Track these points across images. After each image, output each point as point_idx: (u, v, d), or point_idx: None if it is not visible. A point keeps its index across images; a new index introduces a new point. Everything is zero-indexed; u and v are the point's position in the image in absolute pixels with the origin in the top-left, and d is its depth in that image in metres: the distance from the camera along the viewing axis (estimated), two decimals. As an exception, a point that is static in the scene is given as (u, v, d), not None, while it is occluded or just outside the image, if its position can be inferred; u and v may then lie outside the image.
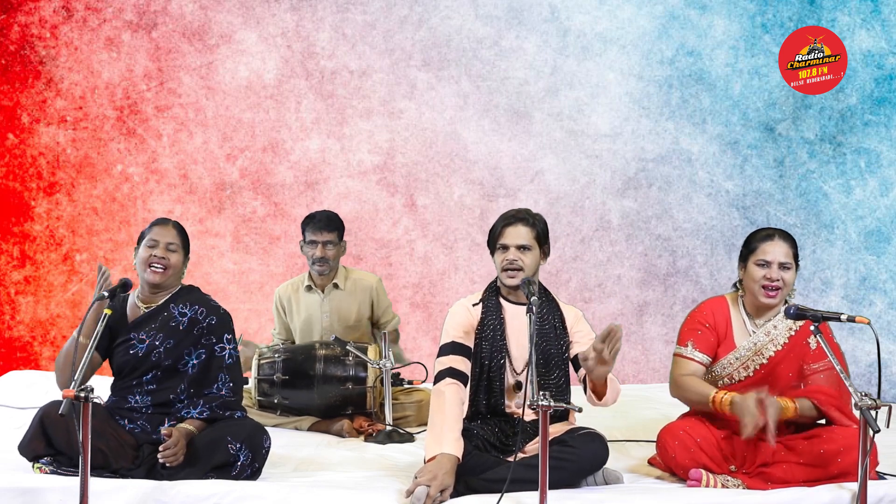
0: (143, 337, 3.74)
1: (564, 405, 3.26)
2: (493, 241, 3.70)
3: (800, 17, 6.05)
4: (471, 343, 3.65)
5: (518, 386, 3.69)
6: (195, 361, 3.75)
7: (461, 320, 3.68)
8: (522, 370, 3.69)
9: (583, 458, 3.53)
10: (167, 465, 3.52)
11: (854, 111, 6.05)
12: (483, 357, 3.68)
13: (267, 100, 6.19)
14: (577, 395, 4.06)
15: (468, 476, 3.50)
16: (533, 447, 3.58)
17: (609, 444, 3.67)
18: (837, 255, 6.07)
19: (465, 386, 3.62)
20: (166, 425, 3.65)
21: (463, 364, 3.61)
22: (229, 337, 3.79)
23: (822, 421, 3.77)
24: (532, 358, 3.22)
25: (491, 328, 3.68)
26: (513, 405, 3.72)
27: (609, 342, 3.25)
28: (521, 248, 3.65)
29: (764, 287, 3.70)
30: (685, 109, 6.14)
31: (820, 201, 6.08)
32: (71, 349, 3.60)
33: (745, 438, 3.52)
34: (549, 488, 3.12)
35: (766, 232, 3.80)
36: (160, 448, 3.53)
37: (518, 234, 3.65)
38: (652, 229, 6.17)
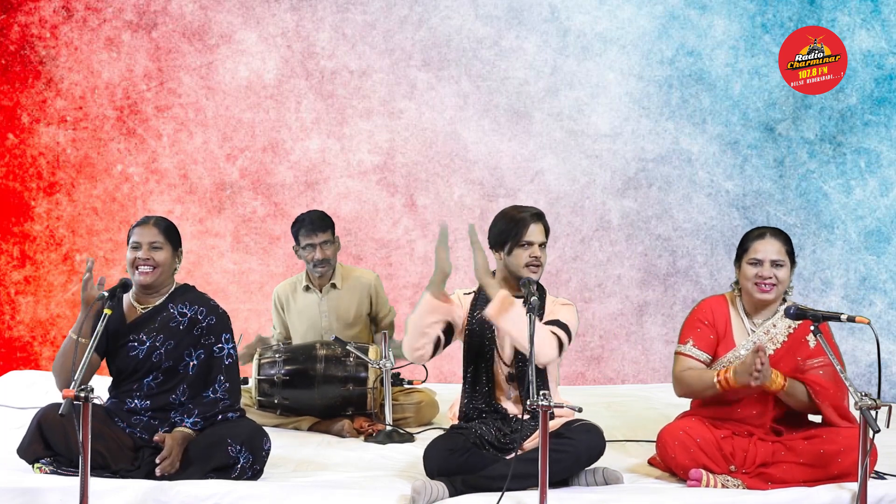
0: (143, 338, 3.73)
1: (564, 406, 3.28)
2: (515, 237, 3.75)
3: (800, 17, 6.04)
4: (453, 319, 3.72)
5: (510, 378, 3.72)
6: (195, 362, 3.74)
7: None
8: (512, 362, 3.73)
9: (580, 449, 3.58)
10: (165, 473, 3.51)
11: (854, 111, 6.05)
12: (473, 348, 3.76)
13: (267, 100, 6.19)
14: (575, 393, 4.07)
15: (467, 474, 3.52)
16: (531, 443, 3.60)
17: (609, 444, 3.69)
18: (837, 255, 6.07)
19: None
20: (160, 432, 3.62)
21: None
22: (227, 336, 3.79)
23: (819, 420, 3.78)
24: (532, 358, 3.25)
25: (479, 321, 3.74)
26: (505, 399, 3.74)
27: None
28: (542, 245, 3.77)
29: (756, 284, 3.72)
30: (685, 109, 6.14)
31: (820, 201, 6.08)
32: (68, 350, 3.60)
33: (753, 385, 3.53)
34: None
35: (757, 231, 3.83)
36: (157, 459, 3.51)
37: (541, 233, 3.77)
38: (652, 229, 6.17)
